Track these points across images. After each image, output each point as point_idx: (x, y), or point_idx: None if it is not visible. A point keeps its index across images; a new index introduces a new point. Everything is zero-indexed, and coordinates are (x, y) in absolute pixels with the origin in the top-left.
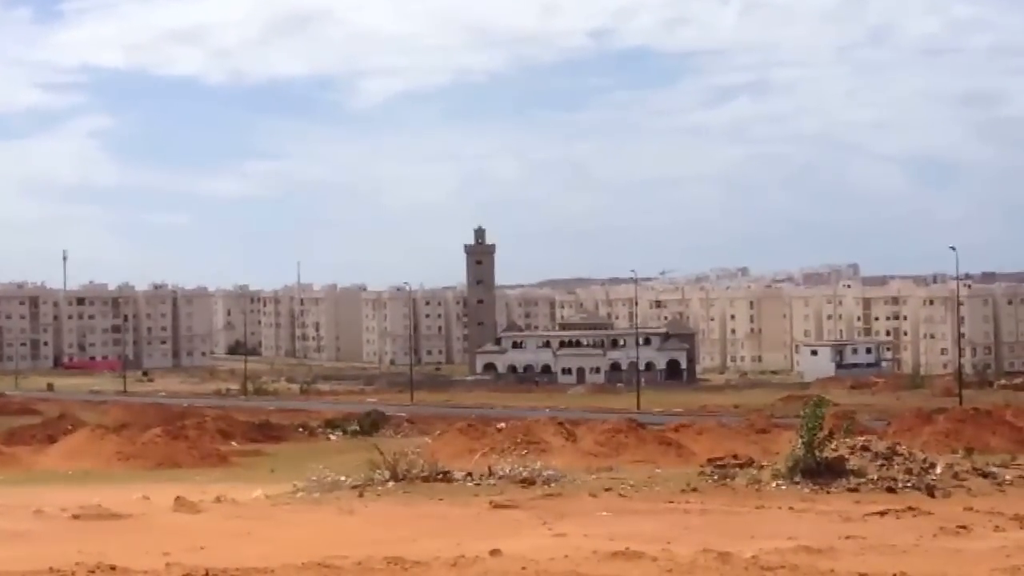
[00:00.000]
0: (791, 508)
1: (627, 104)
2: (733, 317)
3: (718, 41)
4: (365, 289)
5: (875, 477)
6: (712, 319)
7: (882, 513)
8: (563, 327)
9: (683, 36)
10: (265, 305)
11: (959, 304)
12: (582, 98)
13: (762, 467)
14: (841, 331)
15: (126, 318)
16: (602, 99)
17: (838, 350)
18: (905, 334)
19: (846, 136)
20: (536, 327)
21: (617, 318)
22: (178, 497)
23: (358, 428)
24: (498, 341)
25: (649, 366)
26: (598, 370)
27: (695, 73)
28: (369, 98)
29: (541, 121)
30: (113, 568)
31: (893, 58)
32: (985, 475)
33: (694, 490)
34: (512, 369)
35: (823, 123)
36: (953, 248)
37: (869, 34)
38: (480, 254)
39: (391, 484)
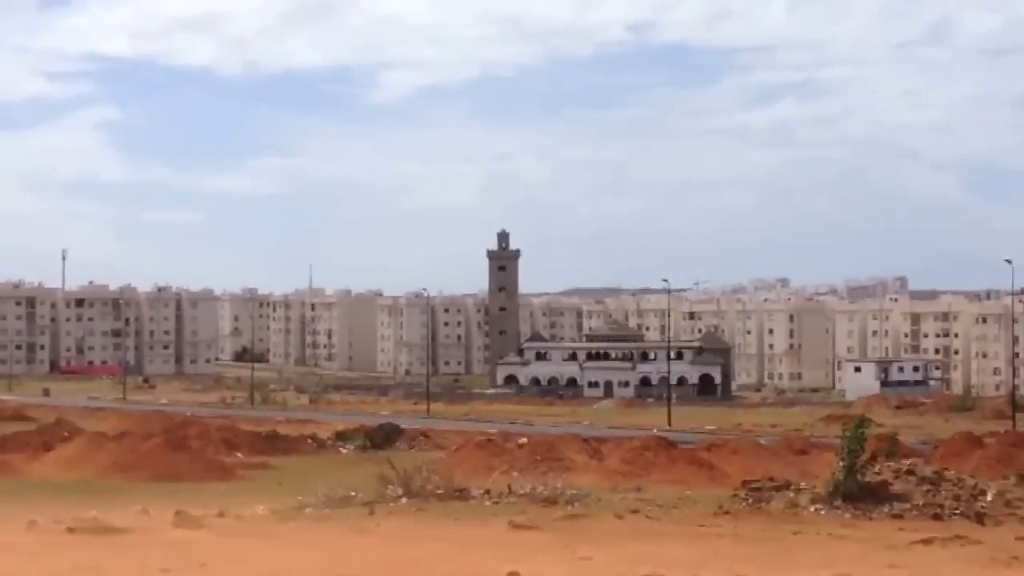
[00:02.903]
0: (830, 534)
1: (664, 103)
2: (771, 331)
3: (763, 37)
4: (381, 295)
5: (920, 503)
6: (749, 333)
7: (927, 541)
8: (590, 338)
9: (726, 31)
10: (275, 310)
11: (1014, 321)
12: (617, 95)
13: (800, 490)
14: (887, 348)
15: (127, 321)
16: (638, 97)
17: (883, 368)
18: (955, 352)
19: (897, 140)
20: (561, 338)
21: (648, 330)
22: (178, 511)
23: (370, 441)
24: (521, 352)
25: (681, 381)
26: (627, 384)
27: (738, 71)
28: (390, 92)
29: (572, 119)
30: None
31: (951, 58)
32: None
33: (727, 513)
34: (535, 381)
35: (874, 126)
36: (1009, 261)
37: (926, 32)
38: (503, 259)
39: (404, 501)
